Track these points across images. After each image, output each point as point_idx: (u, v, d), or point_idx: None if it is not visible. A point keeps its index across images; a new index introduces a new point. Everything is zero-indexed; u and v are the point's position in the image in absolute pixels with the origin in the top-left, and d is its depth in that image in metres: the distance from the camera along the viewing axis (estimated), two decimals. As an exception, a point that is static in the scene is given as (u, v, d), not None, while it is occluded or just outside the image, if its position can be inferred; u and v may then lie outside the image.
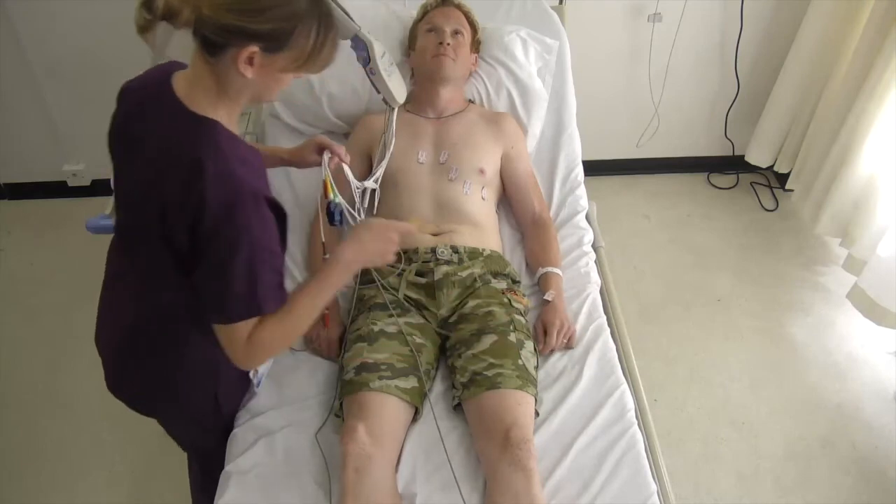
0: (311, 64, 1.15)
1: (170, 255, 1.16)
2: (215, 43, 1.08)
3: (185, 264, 1.15)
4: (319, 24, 1.12)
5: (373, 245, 1.32)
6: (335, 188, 1.47)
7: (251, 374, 1.44)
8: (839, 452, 2.13)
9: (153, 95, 1.17)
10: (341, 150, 1.53)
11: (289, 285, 1.75)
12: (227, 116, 1.17)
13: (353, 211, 1.55)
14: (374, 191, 1.77)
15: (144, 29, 1.08)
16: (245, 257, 1.12)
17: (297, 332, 1.27)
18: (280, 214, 1.20)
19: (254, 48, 1.07)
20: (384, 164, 1.76)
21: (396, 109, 1.77)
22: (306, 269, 1.82)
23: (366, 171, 1.91)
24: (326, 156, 1.51)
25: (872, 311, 2.28)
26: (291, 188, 1.95)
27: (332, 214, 1.47)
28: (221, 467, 1.46)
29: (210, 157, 1.10)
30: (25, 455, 2.08)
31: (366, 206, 1.72)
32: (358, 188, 1.65)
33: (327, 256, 1.57)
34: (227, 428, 1.51)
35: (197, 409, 1.42)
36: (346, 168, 1.57)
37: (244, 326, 1.17)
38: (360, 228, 1.33)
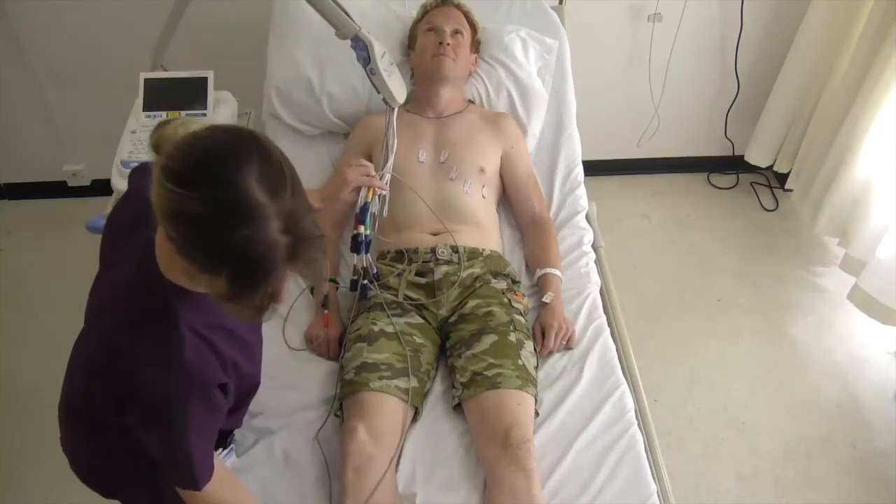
0: (233, 306, 0.95)
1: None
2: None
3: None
4: (230, 283, 0.90)
5: None
6: (369, 223, 1.54)
7: None
8: (839, 452, 2.13)
9: (140, 218, 1.06)
10: (378, 182, 1.57)
11: (289, 285, 1.78)
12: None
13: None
14: (383, 195, 1.76)
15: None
16: (181, 441, 1.05)
17: None
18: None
19: (171, 246, 0.92)
20: (389, 166, 1.76)
21: (396, 109, 1.77)
22: (306, 269, 1.81)
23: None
24: (364, 190, 1.54)
25: (875, 310, 2.28)
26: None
27: (359, 245, 1.54)
28: None
29: (158, 338, 1.01)
30: (25, 455, 2.08)
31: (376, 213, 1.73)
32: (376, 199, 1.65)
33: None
34: None
35: (143, 499, 1.33)
36: (382, 188, 1.62)
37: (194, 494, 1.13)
38: None
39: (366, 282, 1.62)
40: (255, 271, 0.89)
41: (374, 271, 1.64)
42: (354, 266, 1.62)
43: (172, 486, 1.15)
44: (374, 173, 1.59)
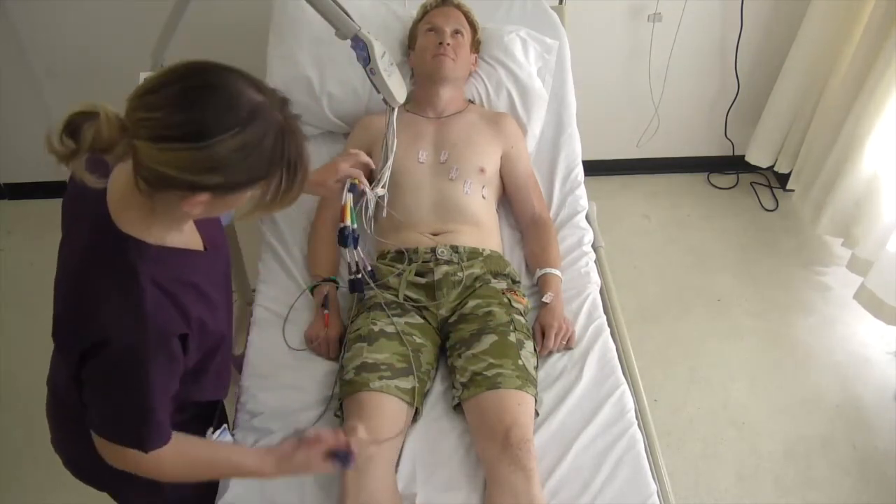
0: (271, 207, 1.04)
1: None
2: (157, 185, 0.95)
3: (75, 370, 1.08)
4: (283, 174, 1.00)
5: (300, 461, 1.22)
6: (354, 215, 1.52)
7: None
8: (839, 452, 2.13)
9: (88, 190, 1.05)
10: (364, 179, 1.57)
11: (289, 284, 1.78)
12: (163, 231, 1.06)
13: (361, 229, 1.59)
14: (381, 196, 1.76)
15: (66, 158, 0.91)
16: (139, 396, 1.05)
17: (191, 480, 1.22)
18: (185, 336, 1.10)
19: (203, 197, 0.96)
20: (389, 167, 1.75)
21: (396, 109, 1.77)
22: (306, 268, 1.81)
23: (366, 172, 1.91)
24: (349, 183, 1.53)
25: (881, 310, 2.27)
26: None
27: (346, 238, 1.52)
28: None
29: (119, 290, 1.01)
30: (25, 455, 2.09)
31: (371, 213, 1.71)
32: (369, 199, 1.65)
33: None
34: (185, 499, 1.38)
35: (140, 490, 1.30)
36: (366, 184, 1.60)
37: (127, 451, 1.10)
38: (294, 450, 1.22)
39: (359, 276, 1.61)
40: (296, 156, 1.00)
41: (368, 268, 1.64)
42: (349, 265, 1.61)
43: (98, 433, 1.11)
44: (366, 159, 1.59)
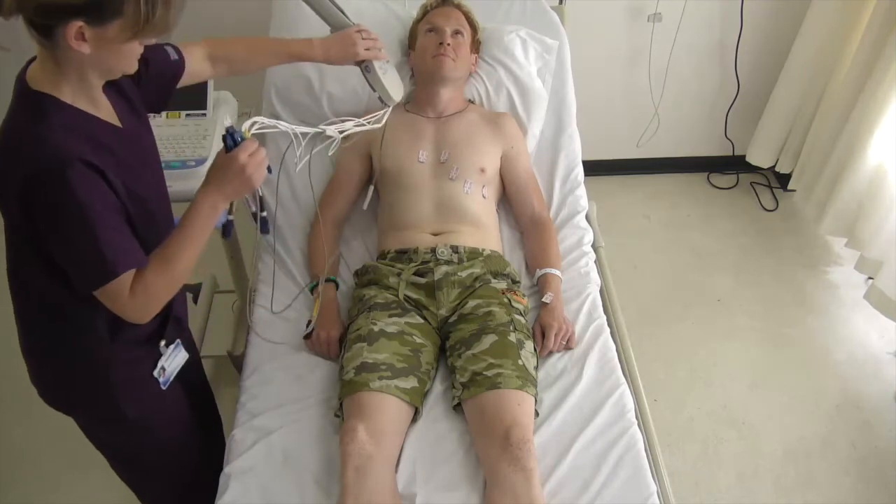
0: (147, 30, 1.08)
1: (27, 248, 1.16)
2: (42, 25, 1.06)
3: (36, 247, 1.14)
4: None
5: (228, 177, 1.21)
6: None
7: (156, 373, 1.35)
8: (839, 452, 2.13)
9: (16, 80, 1.18)
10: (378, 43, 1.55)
11: (289, 284, 1.79)
12: (74, 94, 1.14)
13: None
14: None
15: None
16: (79, 224, 1.09)
17: (183, 278, 1.23)
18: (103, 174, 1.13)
19: (78, 23, 1.04)
20: (353, 121, 1.56)
21: (391, 107, 1.76)
22: (306, 268, 1.82)
23: (366, 172, 1.91)
24: (247, 124, 1.27)
25: (891, 310, 2.26)
26: (290, 185, 1.95)
27: (226, 139, 1.22)
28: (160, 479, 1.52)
29: (25, 126, 1.09)
30: (25, 455, 2.08)
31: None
32: (317, 131, 1.47)
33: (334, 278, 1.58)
34: (148, 430, 1.43)
35: (99, 411, 1.37)
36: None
37: (117, 286, 1.14)
38: (211, 169, 1.23)
39: (264, 214, 1.45)
40: None
41: (263, 211, 1.45)
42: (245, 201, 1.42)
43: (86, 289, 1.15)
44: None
